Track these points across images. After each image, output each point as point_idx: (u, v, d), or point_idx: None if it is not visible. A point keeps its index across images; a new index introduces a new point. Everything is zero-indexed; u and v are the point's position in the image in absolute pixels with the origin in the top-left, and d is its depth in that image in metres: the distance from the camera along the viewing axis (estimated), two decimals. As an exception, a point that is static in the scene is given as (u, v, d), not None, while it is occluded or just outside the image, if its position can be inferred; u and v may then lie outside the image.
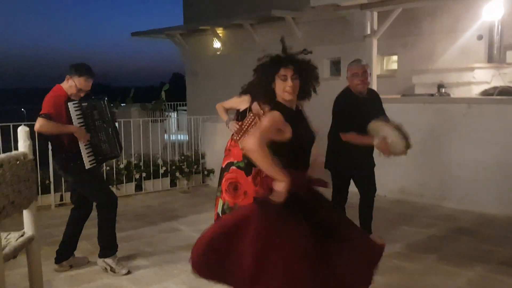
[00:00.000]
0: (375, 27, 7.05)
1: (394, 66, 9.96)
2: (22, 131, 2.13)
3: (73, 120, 3.75)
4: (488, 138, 5.55)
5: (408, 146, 3.73)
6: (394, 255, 4.21)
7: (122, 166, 6.76)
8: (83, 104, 3.81)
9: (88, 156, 3.79)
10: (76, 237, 4.04)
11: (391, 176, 6.05)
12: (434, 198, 5.97)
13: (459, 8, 8.55)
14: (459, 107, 5.92)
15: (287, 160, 2.57)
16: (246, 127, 3.94)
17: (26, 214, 2.17)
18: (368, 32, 7.00)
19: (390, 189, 6.27)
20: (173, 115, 14.01)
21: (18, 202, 1.95)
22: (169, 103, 15.39)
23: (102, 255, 3.94)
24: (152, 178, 6.99)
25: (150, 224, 5.39)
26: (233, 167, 3.93)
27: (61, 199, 6.16)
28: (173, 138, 10.48)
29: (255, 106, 3.87)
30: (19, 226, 2.29)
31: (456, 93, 7.40)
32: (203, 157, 7.51)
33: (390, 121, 3.94)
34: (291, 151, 2.57)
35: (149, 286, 3.65)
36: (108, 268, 3.89)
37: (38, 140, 3.95)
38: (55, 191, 6.11)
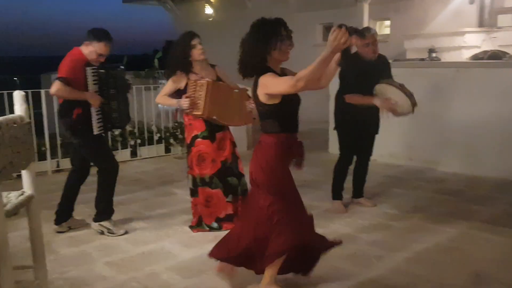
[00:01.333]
0: (367, -9, 7.04)
1: (387, 31, 9.96)
2: (18, 95, 2.21)
3: (88, 85, 3.80)
4: (477, 102, 5.65)
5: (414, 104, 3.89)
6: (382, 215, 4.39)
7: (117, 133, 6.84)
8: (100, 71, 3.85)
9: (98, 122, 3.86)
10: (74, 198, 4.16)
11: (381, 140, 6.18)
12: (424, 161, 6.13)
13: (451, -29, 8.50)
14: (448, 72, 6.00)
15: (278, 123, 2.70)
16: (193, 95, 3.81)
17: (25, 175, 2.27)
18: (360, -4, 6.99)
19: (380, 154, 6.39)
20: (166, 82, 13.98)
21: (16, 163, 2.05)
22: (162, 70, 15.31)
23: (98, 219, 4.07)
24: (146, 144, 7.10)
25: (146, 188, 5.53)
26: (198, 139, 3.96)
27: (58, 165, 6.27)
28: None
29: (193, 76, 3.93)
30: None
31: (447, 57, 7.48)
32: (196, 123, 7.58)
33: (394, 82, 4.05)
34: (282, 113, 2.68)
35: (146, 245, 3.81)
36: (105, 230, 4.02)
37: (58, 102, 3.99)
38: (51, 158, 6.21)
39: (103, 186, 4.03)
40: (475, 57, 7.65)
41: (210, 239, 3.87)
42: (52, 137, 6.25)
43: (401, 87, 3.96)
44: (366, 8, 7.10)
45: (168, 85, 4.01)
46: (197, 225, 4.11)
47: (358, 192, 4.69)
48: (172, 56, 3.96)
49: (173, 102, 3.97)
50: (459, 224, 4.09)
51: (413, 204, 4.68)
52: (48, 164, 6.20)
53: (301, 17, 10.80)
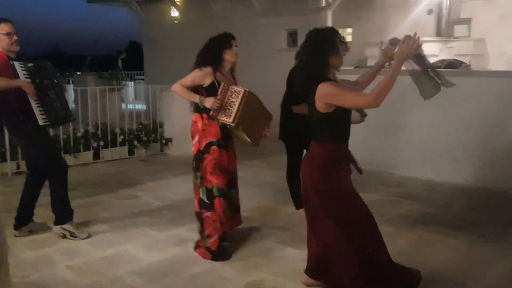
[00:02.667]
0: (330, -1, 7.21)
1: (349, 38, 10.21)
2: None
3: (20, 77, 3.73)
4: (434, 108, 5.88)
5: (364, 115, 4.01)
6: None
7: (79, 134, 6.72)
8: (28, 64, 3.82)
9: (40, 114, 3.78)
10: (33, 202, 4.08)
11: (355, 147, 6.34)
12: (383, 165, 6.31)
13: (411, -18, 8.82)
14: (406, 79, 6.20)
15: (330, 131, 2.81)
16: (224, 101, 3.50)
17: (-14, 177, 2.22)
18: (323, 4, 7.16)
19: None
20: (130, 84, 13.80)
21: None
22: (126, 72, 15.09)
23: (59, 222, 3.99)
24: (109, 146, 7.00)
25: (108, 191, 5.46)
26: (214, 147, 3.63)
27: (18, 167, 6.10)
28: (131, 107, 10.39)
29: (218, 76, 3.66)
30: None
31: (406, 65, 7.73)
32: (161, 126, 7.55)
33: None
34: (335, 122, 2.81)
35: (109, 249, 3.77)
36: (68, 234, 3.95)
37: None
38: (11, 159, 6.03)
39: (55, 187, 3.96)
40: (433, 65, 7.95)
41: (174, 242, 3.89)
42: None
43: None
44: (329, 15, 7.27)
45: (192, 77, 3.67)
46: (218, 246, 3.61)
47: None
48: (206, 49, 3.75)
49: (195, 97, 3.62)
50: (417, 227, 4.25)
51: (372, 208, 4.78)
52: (8, 166, 6.02)
53: (266, 22, 10.93)
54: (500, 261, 3.53)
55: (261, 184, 5.75)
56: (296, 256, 3.59)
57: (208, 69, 3.63)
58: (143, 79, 14.89)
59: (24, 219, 4.04)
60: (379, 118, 6.15)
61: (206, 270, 3.38)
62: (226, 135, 3.70)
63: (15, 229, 4.00)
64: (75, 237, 3.95)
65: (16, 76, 3.73)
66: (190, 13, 12.91)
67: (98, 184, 5.77)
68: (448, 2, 8.60)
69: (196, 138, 3.69)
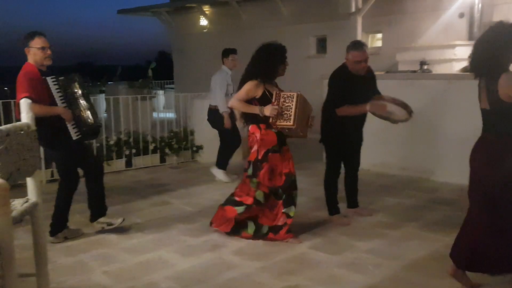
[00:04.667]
0: (360, 5, 7.16)
1: (379, 43, 10.12)
2: (24, 104, 2.24)
3: (54, 95, 3.83)
4: (468, 113, 5.74)
5: (410, 111, 4.06)
6: (376, 223, 4.43)
7: (112, 142, 6.86)
8: (60, 78, 3.90)
9: (73, 128, 3.90)
10: (67, 209, 4.15)
11: (374, 150, 6.28)
12: (416, 171, 6.20)
13: (442, -14, 8.68)
14: (440, 83, 6.11)
15: (507, 123, 2.93)
16: (281, 106, 3.78)
17: (29, 182, 2.29)
18: (353, 10, 7.11)
19: (373, 163, 6.49)
20: (161, 92, 14.03)
21: (23, 170, 2.07)
22: (156, 81, 15.37)
23: (52, 232, 4.07)
24: (142, 154, 7.11)
25: (141, 198, 5.53)
26: (270, 154, 3.91)
27: (52, 175, 6.26)
28: (161, 115, 10.55)
29: (268, 87, 3.93)
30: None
31: (438, 69, 7.60)
32: (192, 133, 7.63)
33: (384, 97, 4.16)
34: None
35: (143, 255, 3.81)
36: (105, 225, 4.12)
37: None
38: (46, 167, 6.19)
39: (61, 196, 4.06)
40: (465, 69, 7.78)
41: (208, 248, 3.91)
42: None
43: (393, 100, 4.05)
44: (359, 21, 7.21)
45: (246, 91, 3.91)
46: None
47: (352, 202, 4.74)
48: (261, 62, 3.92)
49: (255, 109, 3.86)
50: (454, 232, 4.12)
51: (407, 213, 4.73)
52: (43, 174, 6.18)
53: (295, 29, 10.94)
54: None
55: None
56: (330, 262, 3.55)
57: (256, 82, 3.88)
58: (172, 88, 15.11)
59: (59, 225, 4.12)
60: (412, 123, 6.06)
61: (241, 275, 3.38)
62: (281, 140, 3.97)
63: (50, 235, 4.08)
64: (113, 224, 4.19)
65: (49, 90, 3.82)
66: (219, 22, 13.06)
67: (131, 191, 5.86)
68: (480, 5, 8.41)
69: (255, 147, 3.96)
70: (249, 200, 3.96)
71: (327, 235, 4.12)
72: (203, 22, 13.32)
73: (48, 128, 3.82)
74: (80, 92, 4.03)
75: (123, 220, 4.23)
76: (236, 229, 4.06)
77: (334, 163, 4.52)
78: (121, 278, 3.39)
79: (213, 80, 6.11)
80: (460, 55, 7.89)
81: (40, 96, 3.75)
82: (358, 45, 4.21)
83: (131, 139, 7.08)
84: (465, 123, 5.79)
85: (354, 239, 4.03)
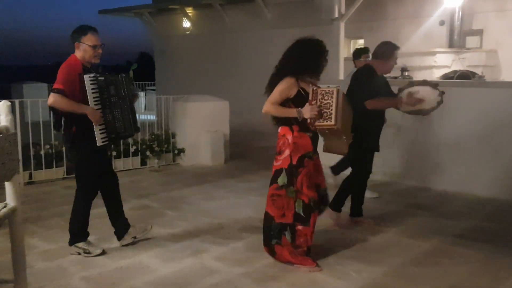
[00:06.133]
0: (343, 11, 7.22)
1: (361, 49, 10.20)
2: (3, 106, 2.19)
3: (87, 94, 3.58)
4: (448, 119, 5.85)
5: (442, 92, 4.09)
6: (358, 229, 4.45)
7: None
8: (99, 78, 3.63)
9: (101, 133, 3.63)
10: (87, 216, 3.90)
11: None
12: (396, 176, 6.27)
13: (423, -6, 8.82)
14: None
15: None
16: (320, 104, 3.35)
17: (8, 186, 2.23)
18: (336, 15, 7.16)
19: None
20: (142, 94, 13.89)
21: (2, 174, 2.02)
22: (137, 82, 15.23)
23: (73, 241, 3.85)
24: (122, 157, 7.03)
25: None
26: (306, 159, 3.49)
27: (30, 177, 6.13)
28: (142, 118, 10.44)
29: (303, 84, 3.48)
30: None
31: (419, 76, 7.73)
32: (173, 136, 7.57)
33: (416, 81, 4.30)
34: None
35: (123, 260, 3.75)
36: (82, 252, 3.81)
37: (53, 114, 3.75)
38: (24, 169, 6.06)
39: (77, 210, 3.83)
40: (446, 76, 7.94)
41: (190, 253, 3.87)
42: (25, 147, 6.11)
43: (425, 82, 4.20)
44: (342, 27, 7.27)
45: (280, 92, 3.45)
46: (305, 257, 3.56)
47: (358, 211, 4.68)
48: (303, 57, 3.48)
49: (293, 111, 3.42)
50: (433, 238, 4.20)
51: (388, 219, 4.78)
52: (21, 176, 6.05)
53: (278, 33, 10.96)
54: (521, 274, 3.46)
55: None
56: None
57: (292, 80, 3.45)
58: (154, 90, 14.99)
59: (78, 235, 3.88)
60: (391, 131, 6.14)
61: (222, 281, 3.35)
62: (314, 147, 3.57)
63: (70, 244, 3.86)
64: (89, 253, 3.81)
65: (82, 88, 3.59)
66: (202, 24, 13.02)
67: (111, 194, 5.76)
68: (460, 13, 8.59)
69: (287, 152, 3.49)
70: (290, 216, 3.50)
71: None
72: (186, 24, 13.26)
73: (73, 127, 3.66)
74: (121, 95, 3.79)
75: (103, 252, 3.84)
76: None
77: (367, 160, 4.45)
78: (100, 283, 3.33)
79: (343, 85, 5.45)
80: (440, 62, 8.04)
81: (75, 92, 3.59)
82: (395, 45, 4.43)
83: (111, 141, 6.98)
84: (444, 129, 5.89)
85: (335, 245, 4.04)
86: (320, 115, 3.34)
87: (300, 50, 3.50)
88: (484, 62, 8.39)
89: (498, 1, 8.47)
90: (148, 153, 7.25)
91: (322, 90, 3.38)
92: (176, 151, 7.54)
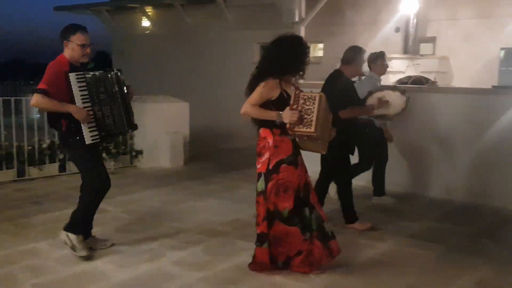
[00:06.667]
0: (303, 15, 7.30)
1: (320, 53, 10.38)
2: None
3: (74, 92, 3.55)
4: (402, 123, 6.00)
5: (407, 97, 4.20)
6: (316, 231, 4.49)
7: (45, 145, 6.51)
8: (87, 75, 3.63)
9: (90, 131, 3.61)
10: (91, 216, 3.90)
11: (314, 159, 6.41)
12: (355, 178, 6.36)
13: (379, 1, 9.08)
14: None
15: None
16: (301, 110, 3.24)
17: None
18: (297, 19, 7.24)
19: (314, 170, 6.61)
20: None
21: None
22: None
23: (68, 228, 3.77)
24: (77, 158, 6.79)
25: (75, 205, 5.20)
26: (284, 165, 3.35)
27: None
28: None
29: (283, 85, 3.35)
30: None
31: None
32: (131, 138, 7.40)
33: (383, 87, 4.34)
34: None
35: (77, 266, 3.62)
36: (69, 244, 3.72)
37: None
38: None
39: (84, 202, 3.81)
40: (400, 81, 8.19)
41: (147, 258, 3.79)
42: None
43: (394, 87, 4.32)
44: (302, 30, 7.34)
45: (261, 93, 3.31)
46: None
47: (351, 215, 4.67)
48: (286, 56, 3.31)
49: (272, 114, 3.28)
50: (390, 239, 4.30)
51: (344, 220, 4.84)
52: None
53: (240, 35, 10.98)
54: (472, 271, 3.60)
55: (236, 197, 5.70)
56: (273, 270, 3.55)
57: (275, 81, 3.31)
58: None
59: (78, 227, 3.82)
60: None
61: (181, 286, 3.30)
62: (297, 150, 3.43)
63: (64, 229, 3.78)
64: (75, 251, 3.71)
65: (68, 86, 3.53)
66: (162, 24, 12.83)
67: (65, 197, 5.56)
68: (414, 21, 8.88)
69: (266, 155, 3.36)
70: (264, 225, 3.39)
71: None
72: (146, 23, 13.03)
73: (62, 126, 3.62)
74: (110, 92, 3.75)
75: (87, 257, 3.73)
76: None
77: (346, 165, 4.55)
78: (53, 291, 3.20)
79: (359, 88, 4.90)
80: (396, 67, 8.27)
81: (62, 91, 3.54)
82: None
83: (66, 143, 6.75)
84: (399, 132, 6.04)
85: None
86: (300, 120, 3.23)
87: (281, 49, 3.34)
88: (437, 68, 8.71)
89: (450, 10, 8.82)
90: (104, 155, 7.04)
91: (305, 95, 3.28)
92: (134, 153, 7.37)
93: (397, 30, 9.21)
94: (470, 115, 5.54)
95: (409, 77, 8.31)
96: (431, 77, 8.32)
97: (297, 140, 3.40)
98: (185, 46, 11.92)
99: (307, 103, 3.24)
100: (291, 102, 3.27)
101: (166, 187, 6.18)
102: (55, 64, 3.63)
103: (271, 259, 3.44)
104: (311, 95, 3.27)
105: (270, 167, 3.35)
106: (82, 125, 3.58)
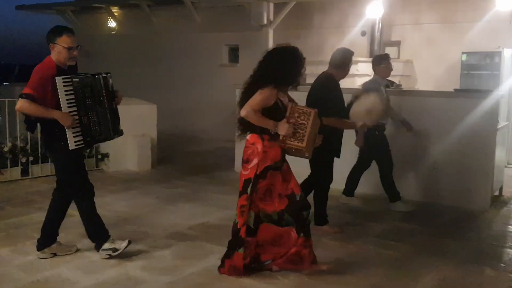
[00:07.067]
0: (271, 17, 7.35)
1: (289, 56, 10.42)
2: None
3: (60, 97, 3.48)
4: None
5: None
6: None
7: (6, 149, 6.30)
8: (74, 79, 3.55)
9: (74, 136, 3.53)
10: (59, 221, 3.87)
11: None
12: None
13: (346, 5, 9.23)
14: (344, 97, 6.43)
15: None
16: (295, 123, 3.33)
17: None
18: (265, 22, 7.29)
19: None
20: (63, 96, 13.23)
21: None
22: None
23: (41, 246, 3.78)
24: (40, 162, 6.61)
25: (39, 210, 5.09)
26: (271, 171, 3.42)
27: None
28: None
29: (281, 95, 3.41)
30: None
31: (342, 84, 8.02)
32: (97, 140, 7.25)
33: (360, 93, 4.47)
34: None
35: (41, 272, 3.53)
36: (111, 252, 3.76)
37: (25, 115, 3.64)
38: None
39: (55, 209, 3.79)
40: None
41: (113, 263, 3.72)
42: None
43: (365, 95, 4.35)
44: (271, 33, 7.41)
45: (262, 99, 3.31)
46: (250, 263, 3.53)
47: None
48: (286, 65, 3.39)
49: (270, 123, 3.31)
50: (356, 239, 4.37)
51: (314, 221, 4.88)
52: None
53: (208, 37, 10.94)
54: (436, 270, 3.70)
55: (203, 200, 5.67)
56: (244, 273, 3.55)
57: (274, 90, 3.34)
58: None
59: (47, 240, 3.79)
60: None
61: (148, 292, 3.26)
62: (284, 156, 3.48)
63: (38, 249, 3.75)
64: (118, 251, 3.74)
65: (55, 90, 3.46)
66: (128, 24, 12.63)
67: (28, 202, 5.41)
68: (380, 25, 9.08)
69: (254, 161, 3.38)
70: (243, 228, 3.43)
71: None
72: (112, 24, 12.80)
73: (48, 129, 3.57)
74: (97, 97, 3.68)
75: (129, 243, 3.79)
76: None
77: (329, 169, 4.53)
78: (14, 300, 3.10)
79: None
80: (362, 70, 8.41)
81: (48, 95, 3.48)
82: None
83: (28, 146, 6.55)
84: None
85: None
86: (293, 134, 3.31)
87: (280, 59, 3.42)
88: (402, 71, 8.92)
89: (414, 15, 9.05)
90: (69, 158, 6.88)
91: (300, 109, 3.37)
92: (99, 156, 7.22)
93: (363, 34, 9.39)
94: (433, 117, 5.70)
95: (375, 80, 8.46)
96: (396, 80, 8.50)
97: (285, 148, 3.45)
98: (152, 48, 11.78)
99: (301, 117, 3.33)
100: (287, 114, 3.34)
101: (133, 190, 6.09)
102: (41, 68, 3.56)
103: (245, 263, 3.47)
104: (306, 110, 3.36)
105: (258, 172, 3.38)
106: (66, 130, 3.52)
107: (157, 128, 7.70)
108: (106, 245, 3.78)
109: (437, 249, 4.18)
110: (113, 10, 12.61)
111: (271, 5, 7.56)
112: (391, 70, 5.41)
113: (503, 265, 3.90)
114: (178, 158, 8.34)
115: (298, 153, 3.43)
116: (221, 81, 10.26)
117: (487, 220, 5.12)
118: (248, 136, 3.47)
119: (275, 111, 3.37)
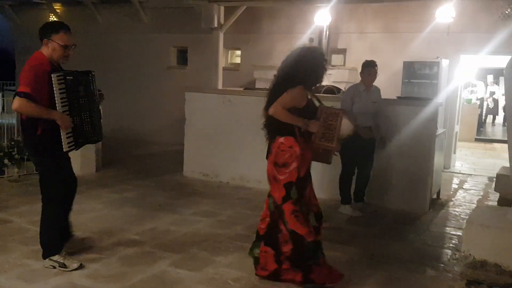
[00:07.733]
0: (222, 21, 7.35)
1: (238, 60, 10.48)
2: None
3: (55, 95, 3.31)
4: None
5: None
6: (234, 237, 4.52)
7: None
8: (68, 77, 3.36)
9: (67, 138, 3.35)
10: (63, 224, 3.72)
11: (232, 164, 6.47)
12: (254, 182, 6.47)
13: (295, 12, 9.39)
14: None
15: None
16: (325, 125, 3.38)
17: None
18: (215, 25, 7.27)
19: (232, 177, 6.68)
20: (-1, 95, 12.49)
21: None
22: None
23: (46, 254, 3.59)
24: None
25: (12, 213, 4.83)
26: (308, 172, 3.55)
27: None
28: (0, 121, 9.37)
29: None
30: None
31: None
32: (37, 143, 6.91)
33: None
34: None
35: (-24, 284, 3.31)
36: (56, 265, 3.54)
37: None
38: None
39: (51, 215, 3.59)
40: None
41: (57, 271, 3.56)
42: None
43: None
44: (221, 36, 7.39)
45: (292, 98, 3.33)
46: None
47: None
48: (312, 66, 3.39)
49: (299, 121, 3.32)
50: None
51: (251, 227, 4.91)
52: None
53: (156, 38, 10.75)
54: (381, 271, 3.82)
55: (152, 205, 5.55)
56: (191, 278, 3.52)
57: (305, 91, 3.40)
58: (14, 91, 13.58)
59: (55, 246, 3.62)
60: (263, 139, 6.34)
61: (94, 301, 3.14)
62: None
63: (44, 258, 3.60)
64: (66, 267, 3.52)
65: (51, 89, 3.30)
66: (72, 22, 12.04)
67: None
68: (327, 33, 9.30)
69: (294, 164, 3.35)
70: (313, 232, 3.47)
71: (188, 251, 4.07)
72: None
73: (38, 131, 3.36)
74: (90, 96, 3.51)
75: (81, 266, 3.59)
76: None
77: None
78: None
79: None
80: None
81: (43, 93, 3.29)
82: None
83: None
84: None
85: (213, 254, 4.04)
86: (323, 134, 3.37)
87: (311, 59, 3.42)
88: (347, 78, 9.19)
89: (359, 24, 9.36)
90: (6, 161, 6.51)
91: (328, 109, 3.44)
92: (40, 159, 6.88)
93: (311, 40, 9.57)
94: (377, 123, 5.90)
95: (322, 86, 8.67)
96: (342, 87, 8.75)
97: (315, 148, 3.49)
98: (98, 47, 11.40)
99: (330, 118, 3.40)
100: (318, 115, 3.41)
101: (77, 195, 5.82)
102: (35, 64, 3.35)
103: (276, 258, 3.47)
104: (334, 112, 3.44)
105: (302, 174, 3.40)
106: (61, 131, 3.35)
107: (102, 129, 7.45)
108: (56, 257, 3.60)
109: (381, 250, 4.33)
110: (55, 7, 12.11)
111: (222, 8, 7.56)
112: (373, 76, 5.54)
113: (442, 265, 4.10)
114: (125, 161, 8.12)
115: (323, 156, 3.50)
116: (169, 84, 10.12)
117: (427, 222, 5.37)
118: (283, 139, 3.40)
119: (308, 112, 3.40)
